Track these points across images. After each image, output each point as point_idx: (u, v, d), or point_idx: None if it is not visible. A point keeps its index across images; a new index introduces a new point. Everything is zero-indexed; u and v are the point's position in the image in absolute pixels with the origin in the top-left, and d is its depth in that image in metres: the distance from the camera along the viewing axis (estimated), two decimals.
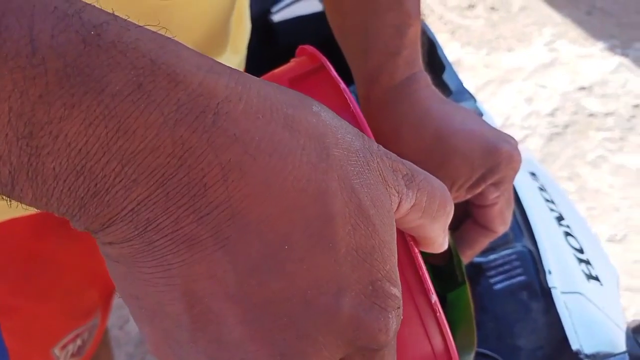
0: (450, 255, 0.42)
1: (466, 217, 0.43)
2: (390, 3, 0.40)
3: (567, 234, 0.58)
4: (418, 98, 0.40)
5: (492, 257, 0.52)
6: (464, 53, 1.86)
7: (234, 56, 0.53)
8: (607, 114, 1.70)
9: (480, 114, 0.60)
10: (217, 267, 0.19)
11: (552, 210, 0.60)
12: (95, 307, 0.60)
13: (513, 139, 0.41)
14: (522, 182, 0.60)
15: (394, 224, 0.22)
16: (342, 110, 0.29)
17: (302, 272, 0.19)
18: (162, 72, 0.18)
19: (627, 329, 0.46)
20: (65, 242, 0.52)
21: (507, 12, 2.00)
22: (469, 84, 1.72)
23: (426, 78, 0.41)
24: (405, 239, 0.26)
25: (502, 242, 0.53)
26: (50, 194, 0.18)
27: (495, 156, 0.39)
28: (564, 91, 1.75)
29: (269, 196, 0.19)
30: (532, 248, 0.53)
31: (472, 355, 0.39)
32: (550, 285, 0.50)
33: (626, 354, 0.45)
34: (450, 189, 0.39)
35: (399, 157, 0.23)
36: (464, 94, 0.64)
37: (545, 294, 0.50)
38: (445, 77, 0.66)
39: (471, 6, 2.01)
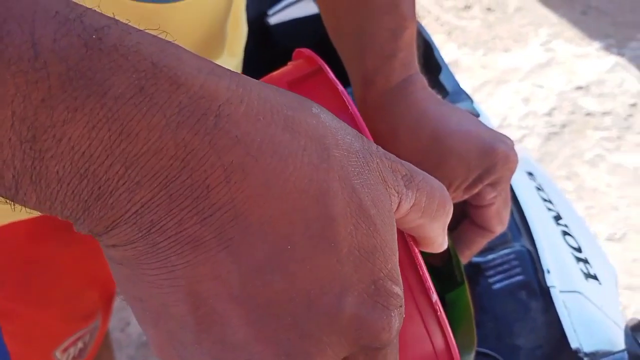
0: (448, 255, 0.42)
1: (464, 218, 0.43)
2: (385, 6, 0.40)
3: (565, 233, 0.59)
4: (414, 100, 0.40)
5: (490, 256, 0.53)
6: (460, 54, 1.87)
7: (231, 59, 0.53)
8: (604, 113, 1.71)
9: (477, 115, 0.60)
10: (221, 267, 0.19)
11: (549, 209, 0.60)
12: (95, 309, 0.60)
13: (509, 139, 0.41)
14: (520, 182, 0.60)
15: (395, 223, 0.22)
16: (341, 112, 0.29)
17: (305, 272, 0.20)
18: (164, 75, 0.18)
19: (626, 327, 0.46)
20: (63, 246, 0.52)
21: (503, 12, 2.00)
22: (466, 85, 1.72)
23: (422, 80, 0.41)
24: (405, 239, 0.26)
25: (500, 242, 0.53)
26: (54, 197, 0.18)
27: (492, 157, 0.39)
28: (561, 91, 1.76)
29: (271, 197, 0.19)
30: (530, 247, 0.53)
31: (473, 355, 0.39)
32: (548, 284, 0.50)
33: (625, 352, 0.45)
34: (447, 190, 0.39)
35: (397, 158, 0.23)
36: (460, 95, 0.64)
37: (544, 293, 0.50)
38: (442, 78, 0.66)
39: (467, 7, 2.02)
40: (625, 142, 1.64)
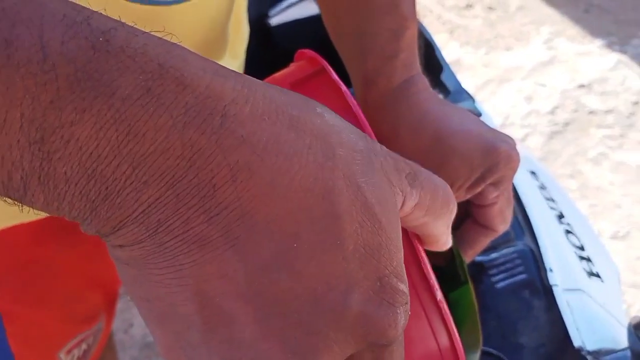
0: (451, 255, 0.42)
1: (466, 217, 0.43)
2: (386, 6, 0.40)
3: (568, 231, 0.59)
4: (416, 100, 0.40)
5: (493, 255, 0.53)
6: (462, 53, 1.87)
7: (233, 60, 0.53)
8: (607, 111, 1.70)
9: (479, 114, 0.61)
10: (227, 266, 0.19)
11: (552, 208, 0.60)
12: (99, 311, 0.60)
13: (511, 138, 0.41)
14: (522, 181, 0.60)
15: (399, 221, 0.22)
16: (344, 112, 0.29)
17: (311, 270, 0.20)
18: (170, 75, 0.18)
19: (629, 325, 0.46)
20: (66, 248, 0.52)
21: (505, 11, 2.00)
22: (468, 84, 1.72)
23: (424, 80, 0.41)
24: (410, 238, 0.26)
25: (503, 241, 0.53)
26: (62, 198, 0.19)
27: (494, 156, 0.39)
28: (564, 89, 1.76)
29: (277, 196, 0.19)
30: (533, 246, 0.53)
31: (478, 354, 0.39)
32: (551, 283, 0.50)
33: (628, 350, 0.45)
34: None
35: (401, 157, 0.23)
36: (462, 94, 0.64)
37: (546, 292, 0.50)
38: (443, 77, 0.66)
39: (469, 6, 2.02)
40: (628, 140, 1.64)
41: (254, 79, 0.21)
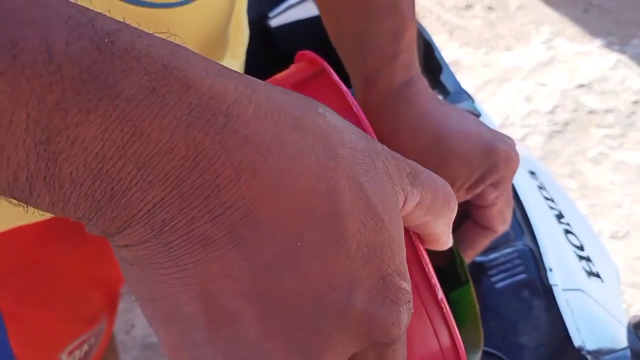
0: (451, 255, 0.42)
1: (466, 218, 0.43)
2: (386, 8, 0.40)
3: (567, 231, 0.59)
4: (416, 101, 0.40)
5: (493, 255, 0.53)
6: (462, 53, 1.87)
7: (233, 61, 0.53)
8: (606, 111, 1.70)
9: (478, 115, 0.61)
10: (232, 265, 0.19)
11: (551, 208, 0.60)
12: (100, 312, 0.60)
13: (510, 139, 0.41)
14: (522, 181, 0.60)
15: (401, 220, 0.22)
16: (345, 112, 0.29)
17: (314, 269, 0.20)
18: (174, 76, 0.19)
19: (629, 324, 0.46)
20: (69, 249, 0.52)
21: (505, 11, 2.00)
22: (468, 84, 1.72)
23: (423, 81, 0.41)
24: (411, 237, 0.27)
25: (502, 241, 0.53)
26: (67, 198, 0.19)
27: (494, 156, 0.39)
28: (563, 89, 1.76)
29: (280, 196, 0.19)
30: (532, 246, 0.53)
31: (480, 353, 0.40)
32: (551, 282, 0.50)
33: (628, 350, 0.45)
34: None
35: (402, 157, 0.24)
36: (461, 95, 0.65)
37: (546, 292, 0.50)
38: (443, 78, 0.66)
39: (468, 6, 2.02)
40: (628, 139, 1.64)
41: (257, 79, 0.21)
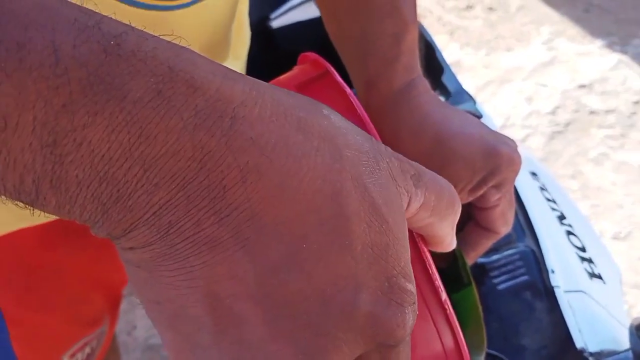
0: (453, 257, 0.42)
1: (468, 220, 0.43)
2: (387, 10, 0.40)
3: (569, 232, 0.59)
4: (417, 103, 0.40)
5: (495, 257, 0.53)
6: (463, 54, 1.87)
7: (235, 63, 0.53)
8: (607, 111, 1.70)
9: (480, 116, 0.61)
10: (237, 267, 0.19)
11: (553, 209, 0.60)
12: (102, 314, 0.60)
13: (512, 141, 0.41)
14: (523, 182, 0.60)
15: (406, 221, 0.22)
16: (349, 114, 0.29)
17: (320, 270, 0.20)
18: (180, 78, 0.19)
19: (631, 326, 0.46)
20: (70, 251, 0.52)
21: (505, 12, 2.00)
22: (469, 85, 1.72)
23: (425, 83, 0.41)
24: (415, 239, 0.26)
25: (504, 243, 0.53)
26: (74, 201, 0.19)
27: (496, 159, 0.39)
28: (564, 89, 1.76)
29: (286, 198, 0.19)
30: (534, 248, 0.53)
31: (483, 356, 0.40)
32: (553, 284, 0.50)
33: (630, 351, 0.45)
34: None
35: (406, 158, 0.24)
36: (463, 96, 0.65)
37: (548, 293, 0.50)
38: (444, 79, 0.66)
39: (469, 7, 2.02)
40: (630, 139, 1.64)
41: (261, 81, 0.21)
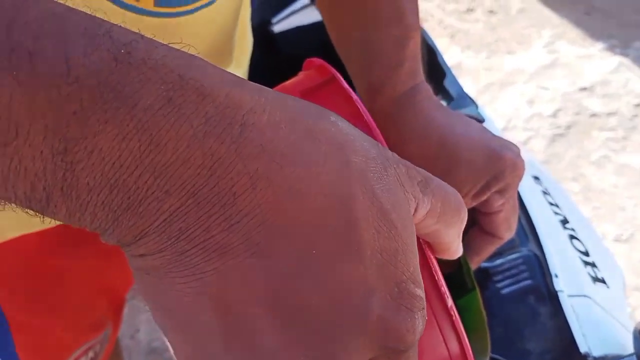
0: (457, 262, 0.42)
1: (472, 225, 0.43)
2: (390, 16, 0.41)
3: (572, 237, 0.59)
4: (421, 108, 0.40)
5: (498, 261, 0.53)
6: (464, 57, 1.87)
7: (237, 69, 0.54)
8: (609, 114, 1.70)
9: (482, 120, 0.61)
10: (248, 273, 0.19)
11: (556, 213, 0.60)
12: (106, 319, 0.60)
13: (515, 146, 0.41)
14: (526, 187, 0.60)
15: (414, 227, 0.22)
16: (356, 120, 0.29)
17: (330, 276, 0.20)
18: (191, 86, 0.19)
19: (635, 330, 0.46)
20: (73, 257, 0.52)
21: (506, 14, 2.01)
22: (470, 88, 1.72)
23: (428, 89, 0.42)
24: (421, 245, 0.27)
25: (508, 247, 0.53)
26: (84, 208, 0.19)
27: (499, 164, 0.39)
28: (566, 92, 1.76)
29: (296, 203, 0.20)
30: (538, 252, 0.53)
31: None
32: (556, 288, 0.50)
33: (634, 356, 0.45)
34: None
35: (412, 165, 0.24)
36: (465, 100, 0.65)
37: (552, 298, 0.50)
38: (446, 83, 0.66)
39: (470, 10, 2.02)
40: (631, 142, 1.64)
41: (268, 88, 0.21)
